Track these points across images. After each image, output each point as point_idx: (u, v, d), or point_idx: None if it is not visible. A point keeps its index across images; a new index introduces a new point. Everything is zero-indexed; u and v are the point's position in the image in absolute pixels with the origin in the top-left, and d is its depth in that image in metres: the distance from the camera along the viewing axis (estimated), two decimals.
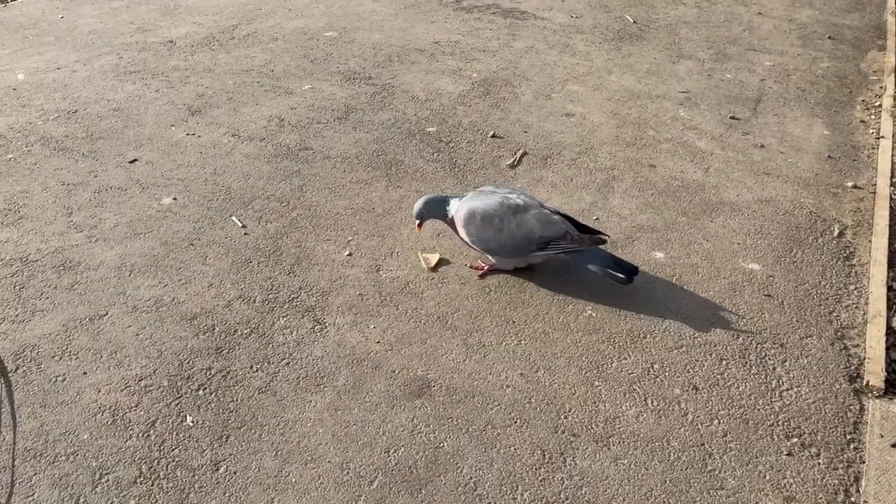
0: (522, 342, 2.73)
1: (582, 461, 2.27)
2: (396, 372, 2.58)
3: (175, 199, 3.54)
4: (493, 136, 4.19)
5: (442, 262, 3.08)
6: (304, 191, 3.63)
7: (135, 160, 3.86)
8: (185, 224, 3.36)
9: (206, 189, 3.62)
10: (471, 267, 3.10)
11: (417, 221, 3.06)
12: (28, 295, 2.89)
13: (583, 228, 2.95)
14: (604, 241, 2.93)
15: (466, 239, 2.98)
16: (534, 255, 2.95)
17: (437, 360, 2.64)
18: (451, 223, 3.02)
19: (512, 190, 3.01)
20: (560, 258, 2.97)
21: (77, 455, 2.25)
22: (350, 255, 3.17)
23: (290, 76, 4.91)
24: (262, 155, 3.94)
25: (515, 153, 4.01)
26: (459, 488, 2.18)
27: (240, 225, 3.36)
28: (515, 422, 2.40)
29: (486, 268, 3.07)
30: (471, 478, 2.22)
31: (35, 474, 2.19)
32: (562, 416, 2.42)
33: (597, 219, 3.43)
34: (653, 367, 2.63)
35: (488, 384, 2.54)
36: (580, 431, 2.38)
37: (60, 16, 6.03)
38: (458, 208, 2.96)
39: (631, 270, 2.89)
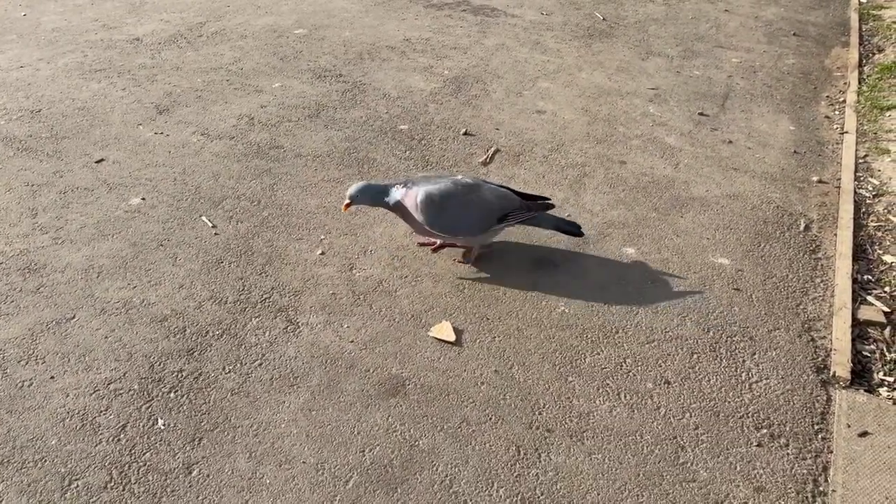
0: (496, 339, 2.73)
1: (556, 456, 2.29)
2: (371, 371, 2.57)
3: (143, 199, 3.49)
4: (465, 133, 4.19)
5: (457, 331, 2.77)
6: (276, 190, 3.60)
7: (101, 160, 3.80)
8: (154, 225, 3.31)
9: (176, 189, 3.58)
10: (420, 244, 3.15)
11: (347, 202, 2.99)
12: None
13: (525, 196, 3.08)
14: (552, 206, 3.12)
15: (425, 223, 2.93)
16: (492, 230, 3.02)
17: (412, 358, 2.63)
18: (399, 208, 2.96)
19: (452, 173, 3.05)
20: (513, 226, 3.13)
21: (45, 461, 2.21)
22: (322, 253, 3.15)
23: (259, 74, 4.86)
24: (232, 154, 3.90)
25: (487, 150, 4.02)
26: (435, 486, 2.18)
27: (210, 225, 3.32)
28: (490, 419, 2.41)
29: (437, 242, 3.12)
30: (446, 475, 2.22)
31: (2, 481, 2.14)
32: (536, 412, 2.44)
33: (569, 215, 3.45)
34: (625, 362, 2.66)
35: (463, 381, 2.54)
36: (554, 427, 2.39)
37: (23, 13, 5.90)
38: (407, 194, 2.92)
39: (578, 226, 3.16)
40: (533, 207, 3.05)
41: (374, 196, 2.99)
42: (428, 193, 2.90)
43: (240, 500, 2.12)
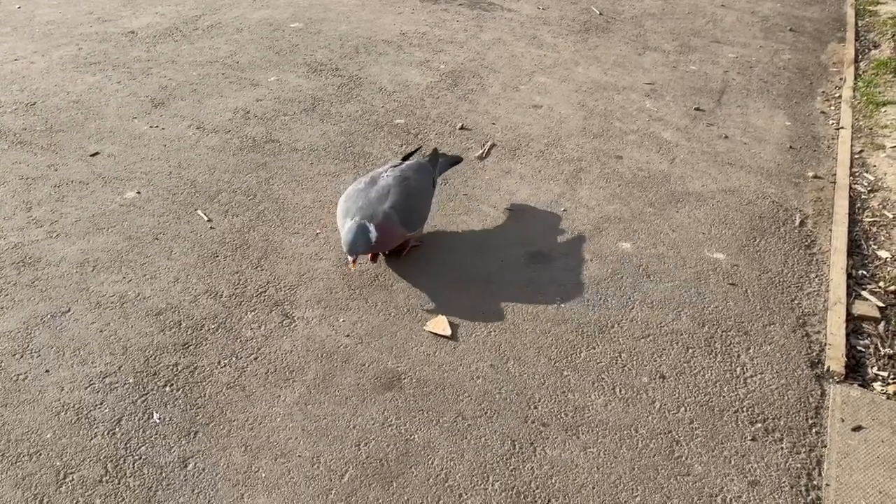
0: (492, 333, 2.73)
1: (552, 450, 2.29)
2: (366, 365, 2.57)
3: (139, 192, 3.48)
4: (461, 127, 4.18)
5: (453, 326, 2.75)
6: (271, 184, 3.59)
7: (96, 153, 3.78)
8: (149, 218, 3.30)
9: (171, 182, 3.57)
10: (405, 255, 3.10)
11: (352, 259, 2.81)
12: None
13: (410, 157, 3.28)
14: (439, 154, 3.33)
15: (408, 231, 2.94)
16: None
17: (407, 352, 2.64)
18: (378, 243, 2.84)
19: (370, 178, 3.01)
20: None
21: (40, 454, 2.21)
22: (318, 233, 3.15)
23: (255, 68, 4.85)
24: (228, 147, 3.89)
25: (484, 145, 4.01)
26: (430, 480, 2.19)
27: (205, 219, 3.31)
28: (486, 413, 2.41)
29: (408, 247, 3.12)
30: (442, 469, 2.22)
31: None
32: (531, 407, 2.44)
33: (565, 210, 3.46)
34: (621, 357, 2.66)
35: (458, 376, 2.55)
36: (550, 421, 2.39)
37: (18, 6, 5.87)
38: (374, 228, 2.79)
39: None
40: (435, 164, 3.24)
41: (366, 241, 2.79)
42: (384, 218, 2.82)
43: (235, 494, 2.12)
